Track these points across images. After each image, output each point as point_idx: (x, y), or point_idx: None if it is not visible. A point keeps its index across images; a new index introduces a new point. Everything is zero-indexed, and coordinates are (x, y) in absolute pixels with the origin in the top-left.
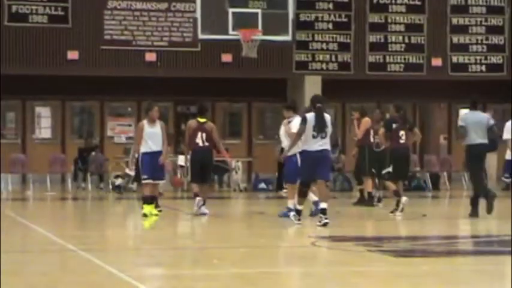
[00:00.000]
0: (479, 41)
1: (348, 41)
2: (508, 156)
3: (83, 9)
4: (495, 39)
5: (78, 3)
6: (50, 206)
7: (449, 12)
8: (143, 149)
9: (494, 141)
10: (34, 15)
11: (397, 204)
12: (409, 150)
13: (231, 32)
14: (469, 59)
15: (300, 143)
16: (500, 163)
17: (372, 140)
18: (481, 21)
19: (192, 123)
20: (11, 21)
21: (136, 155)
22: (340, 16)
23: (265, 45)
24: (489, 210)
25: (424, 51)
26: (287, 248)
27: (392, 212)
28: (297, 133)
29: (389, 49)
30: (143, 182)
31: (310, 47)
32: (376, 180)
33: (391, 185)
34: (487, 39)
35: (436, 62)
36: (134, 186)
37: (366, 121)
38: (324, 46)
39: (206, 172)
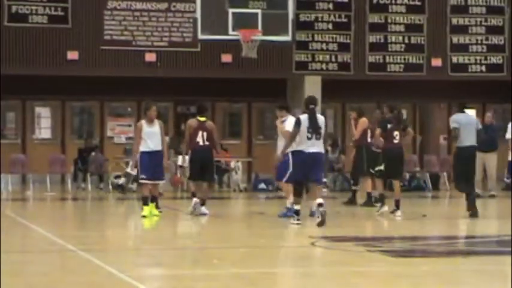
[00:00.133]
0: (479, 41)
1: (348, 41)
2: (510, 157)
3: (83, 10)
4: (495, 39)
5: (78, 3)
6: (50, 206)
7: (449, 12)
8: (142, 148)
9: (494, 141)
10: (34, 16)
11: (381, 201)
12: (403, 150)
13: (231, 32)
14: (469, 59)
15: (293, 144)
16: (500, 163)
17: (369, 140)
18: (481, 21)
19: (192, 122)
20: (11, 21)
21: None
22: (340, 16)
23: (265, 46)
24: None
25: (424, 52)
26: (287, 248)
27: (392, 212)
28: (291, 135)
29: (389, 49)
30: (140, 181)
31: (310, 47)
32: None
33: (380, 186)
34: (487, 39)
35: (436, 62)
36: (134, 186)
37: (363, 121)
38: (324, 46)
39: (207, 171)
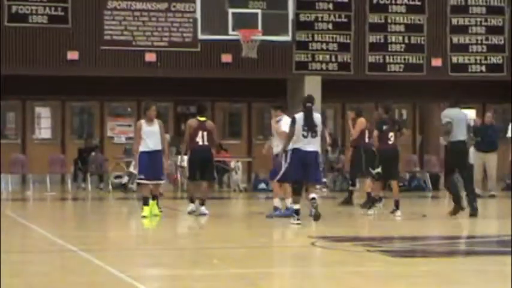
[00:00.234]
0: (479, 41)
1: (348, 41)
2: (511, 158)
3: (83, 9)
4: (495, 39)
5: (78, 3)
6: (50, 207)
7: (449, 12)
8: (141, 148)
9: (494, 141)
10: (34, 16)
11: (373, 202)
12: (398, 150)
13: (231, 32)
14: (469, 59)
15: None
16: (501, 163)
17: (366, 140)
18: (481, 21)
19: (192, 122)
20: (11, 21)
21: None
22: (340, 16)
23: (265, 46)
24: (454, 212)
25: (424, 52)
26: (287, 248)
27: (392, 212)
28: (288, 135)
29: (389, 49)
30: (139, 182)
31: (310, 47)
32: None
33: (376, 189)
34: (487, 39)
35: (436, 62)
36: (134, 186)
37: (361, 121)
38: (324, 46)
39: (207, 170)
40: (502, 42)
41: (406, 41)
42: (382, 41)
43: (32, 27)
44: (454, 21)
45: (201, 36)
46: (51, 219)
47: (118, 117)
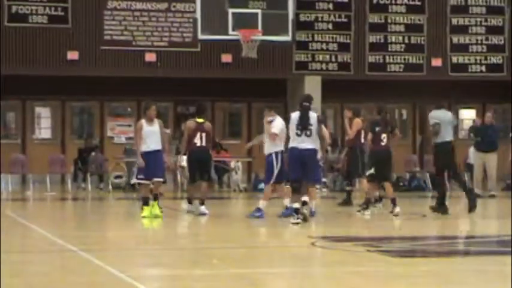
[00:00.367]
0: (479, 41)
1: (348, 41)
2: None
3: (83, 9)
4: (495, 39)
5: (78, 3)
6: (50, 207)
7: (449, 12)
8: (142, 148)
9: (495, 141)
10: (34, 16)
11: (367, 204)
12: (391, 152)
13: (231, 32)
14: (469, 59)
15: (278, 142)
16: (501, 163)
17: (362, 140)
18: (481, 21)
19: (190, 123)
20: (11, 21)
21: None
22: (340, 16)
23: (265, 46)
24: (445, 211)
25: (424, 52)
26: (287, 248)
27: (391, 212)
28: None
29: (389, 49)
30: (138, 181)
31: (310, 47)
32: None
33: (370, 191)
34: (487, 39)
35: (436, 62)
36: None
37: (357, 122)
38: (324, 46)
39: (205, 171)
40: (502, 42)
41: (406, 41)
42: (382, 41)
43: (32, 27)
44: (454, 21)
45: (201, 36)
46: (51, 219)
47: (118, 117)
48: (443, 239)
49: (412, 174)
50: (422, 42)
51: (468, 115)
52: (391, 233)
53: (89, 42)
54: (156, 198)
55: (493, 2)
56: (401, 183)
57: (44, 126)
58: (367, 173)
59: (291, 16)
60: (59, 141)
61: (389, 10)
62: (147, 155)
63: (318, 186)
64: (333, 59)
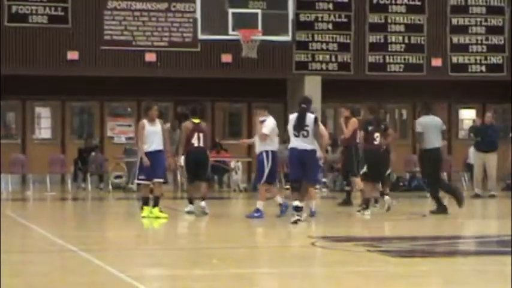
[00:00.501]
0: (479, 41)
1: (348, 41)
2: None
3: (83, 9)
4: (495, 39)
5: (78, 3)
6: (50, 207)
7: (449, 12)
8: (143, 148)
9: (494, 141)
10: (34, 16)
11: (367, 204)
12: (386, 151)
13: (231, 32)
14: (469, 59)
15: (269, 142)
16: (501, 163)
17: (358, 140)
18: (481, 21)
19: (188, 124)
20: (11, 21)
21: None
22: (340, 16)
23: (265, 45)
24: (444, 210)
25: (424, 51)
26: (287, 248)
27: (388, 211)
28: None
29: (389, 49)
30: (138, 182)
31: (310, 47)
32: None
33: (366, 191)
34: (487, 39)
35: (436, 62)
36: (134, 186)
37: (354, 121)
38: (324, 46)
39: (202, 171)
40: (502, 42)
41: (406, 41)
42: (382, 41)
43: (32, 27)
44: (454, 21)
45: (201, 36)
46: (51, 219)
47: (118, 117)
48: (443, 239)
49: (412, 174)
50: (422, 42)
51: (468, 115)
52: (391, 233)
53: (89, 42)
54: (156, 203)
55: (493, 2)
56: (401, 183)
57: (44, 126)
58: (361, 172)
59: (291, 16)
60: (59, 141)
61: (389, 10)
62: (148, 155)
63: (317, 186)
64: (333, 59)
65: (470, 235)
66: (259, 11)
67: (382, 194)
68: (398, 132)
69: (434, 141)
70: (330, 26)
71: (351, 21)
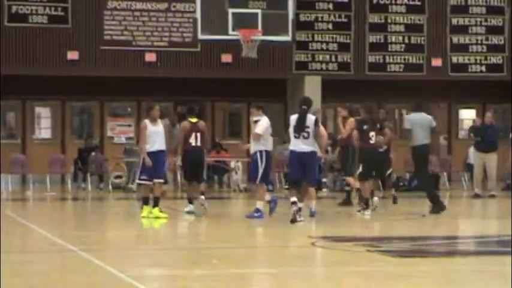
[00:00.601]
0: (479, 41)
1: (348, 41)
2: None
3: (83, 9)
4: (495, 39)
5: (78, 3)
6: (50, 206)
7: (449, 12)
8: (145, 148)
9: (494, 141)
10: (34, 16)
11: (366, 204)
12: (385, 151)
13: (231, 32)
14: (469, 59)
15: (262, 142)
16: (501, 163)
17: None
18: (481, 21)
19: (185, 124)
20: (11, 21)
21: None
22: (340, 16)
23: (265, 45)
24: (437, 210)
25: (424, 51)
26: (287, 248)
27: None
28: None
29: (389, 49)
30: (140, 182)
31: (310, 47)
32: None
33: (364, 191)
34: (487, 39)
35: (436, 62)
36: (134, 186)
37: (351, 121)
38: (324, 46)
39: (198, 171)
40: (502, 42)
41: (406, 41)
42: (382, 41)
43: (32, 27)
44: (454, 21)
45: (201, 36)
46: (51, 219)
47: (118, 117)
48: (443, 239)
49: (412, 174)
50: (422, 42)
51: (468, 115)
52: (391, 233)
53: (89, 42)
54: (156, 203)
55: (493, 2)
56: (401, 183)
57: (44, 126)
58: (358, 172)
59: (291, 16)
60: (59, 141)
61: (389, 10)
62: (150, 155)
63: (324, 190)
64: (333, 59)
65: (470, 235)
66: (259, 11)
67: (372, 194)
68: (398, 133)
69: (423, 138)
70: (330, 26)
71: (351, 21)
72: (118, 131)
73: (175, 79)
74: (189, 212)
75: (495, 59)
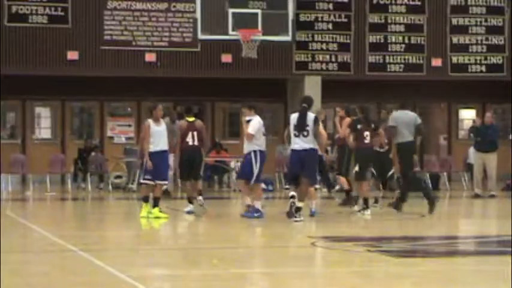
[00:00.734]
0: (479, 41)
1: (348, 41)
2: None
3: (83, 9)
4: (495, 39)
5: (78, 3)
6: (50, 206)
7: (449, 12)
8: (149, 148)
9: (494, 141)
10: (34, 16)
11: (366, 203)
12: (381, 151)
13: (231, 32)
14: (469, 59)
15: (255, 141)
16: (500, 163)
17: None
18: (481, 21)
19: (182, 123)
20: (11, 21)
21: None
22: (340, 16)
23: (265, 45)
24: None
25: (424, 52)
26: (287, 248)
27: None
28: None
29: (389, 49)
30: (143, 182)
31: (310, 47)
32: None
33: (362, 191)
34: (487, 39)
35: (436, 62)
36: (134, 186)
37: (347, 121)
38: (324, 46)
39: (194, 170)
40: (502, 42)
41: (406, 41)
42: (382, 41)
43: (32, 27)
44: (454, 21)
45: (201, 36)
46: (51, 219)
47: (118, 117)
48: (443, 239)
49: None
50: (422, 42)
51: (468, 115)
52: (391, 233)
53: (89, 42)
54: (156, 203)
55: (493, 2)
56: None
57: (44, 126)
58: (353, 171)
59: (291, 16)
60: (59, 141)
61: (389, 10)
62: (153, 155)
63: (317, 186)
64: (333, 59)
65: (470, 235)
66: (259, 11)
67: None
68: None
69: (407, 135)
70: (330, 26)
71: (351, 21)
72: (118, 131)
73: (175, 79)
74: (189, 212)
75: (495, 59)
